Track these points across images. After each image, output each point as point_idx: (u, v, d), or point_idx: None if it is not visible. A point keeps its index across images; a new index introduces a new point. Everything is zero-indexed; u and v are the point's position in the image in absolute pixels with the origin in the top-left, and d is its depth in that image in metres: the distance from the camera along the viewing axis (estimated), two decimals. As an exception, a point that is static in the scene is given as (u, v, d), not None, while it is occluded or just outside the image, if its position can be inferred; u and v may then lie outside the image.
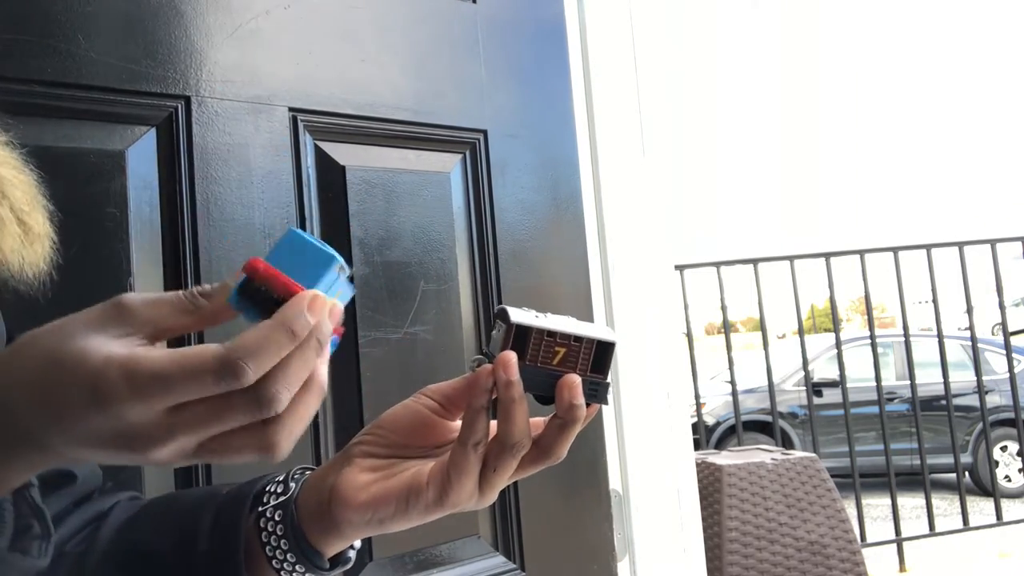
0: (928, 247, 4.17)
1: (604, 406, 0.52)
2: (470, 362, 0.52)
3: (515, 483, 1.21)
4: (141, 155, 0.95)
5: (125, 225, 0.91)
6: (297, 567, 0.56)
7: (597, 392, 0.52)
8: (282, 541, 0.56)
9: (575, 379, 0.51)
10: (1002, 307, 4.29)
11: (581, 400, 0.51)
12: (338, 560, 0.59)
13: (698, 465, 2.94)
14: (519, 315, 0.50)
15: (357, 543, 0.59)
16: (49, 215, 0.59)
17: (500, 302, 1.21)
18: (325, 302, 0.41)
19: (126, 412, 0.37)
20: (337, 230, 1.09)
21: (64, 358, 0.38)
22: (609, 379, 0.52)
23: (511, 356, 0.50)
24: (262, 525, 0.57)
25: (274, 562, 0.56)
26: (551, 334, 0.50)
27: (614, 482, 1.38)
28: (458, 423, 0.55)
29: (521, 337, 0.50)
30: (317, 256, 0.43)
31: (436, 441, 0.57)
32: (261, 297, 0.41)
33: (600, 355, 0.51)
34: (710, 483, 2.97)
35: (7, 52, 0.86)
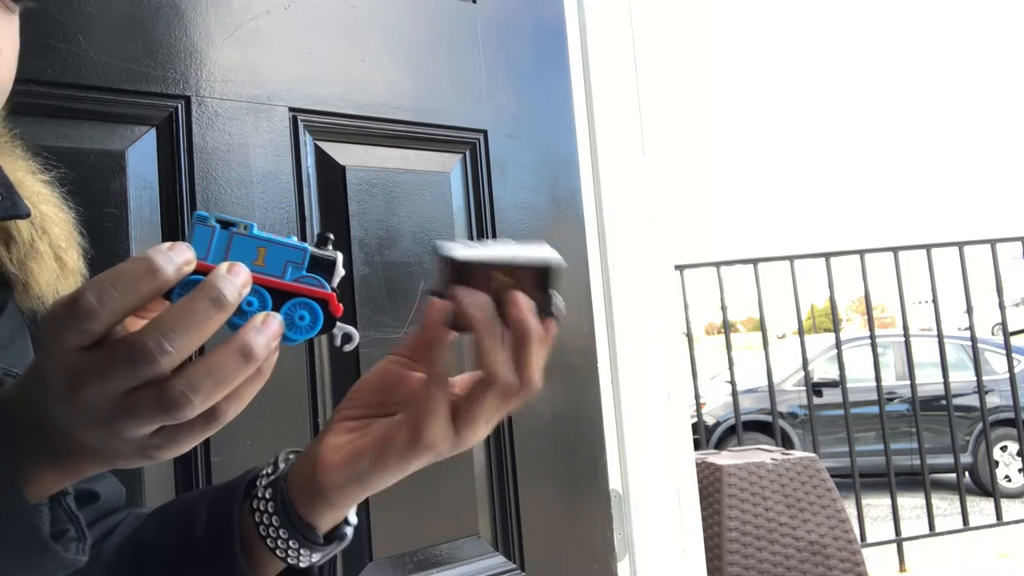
0: (928, 247, 4.17)
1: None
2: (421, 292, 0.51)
3: (515, 483, 1.22)
4: (141, 155, 0.95)
5: (125, 225, 0.91)
6: (291, 543, 0.56)
7: (544, 307, 0.50)
8: (274, 518, 0.56)
9: (518, 294, 0.50)
10: (1002, 307, 4.29)
11: (528, 315, 0.50)
12: (333, 536, 0.58)
13: (698, 465, 2.94)
14: (456, 249, 0.49)
15: (353, 518, 0.59)
16: (83, 252, 0.62)
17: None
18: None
19: (54, 349, 0.40)
20: (337, 230, 1.09)
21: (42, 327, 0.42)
22: (555, 295, 0.51)
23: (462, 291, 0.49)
24: (255, 506, 0.57)
25: (268, 541, 0.56)
26: (489, 264, 0.49)
27: (614, 482, 1.38)
28: None
29: (462, 270, 0.49)
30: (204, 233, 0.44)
31: (409, 394, 0.56)
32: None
33: (543, 275, 0.50)
34: (710, 483, 2.97)
35: (7, 52, 0.86)
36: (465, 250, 0.50)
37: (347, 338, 0.48)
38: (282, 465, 0.59)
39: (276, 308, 0.45)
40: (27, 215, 0.59)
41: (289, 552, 0.56)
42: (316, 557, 0.57)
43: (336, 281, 0.47)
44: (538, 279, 0.50)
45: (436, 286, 0.51)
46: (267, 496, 0.57)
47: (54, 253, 0.61)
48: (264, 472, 0.59)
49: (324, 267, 0.46)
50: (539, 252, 0.50)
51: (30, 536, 0.43)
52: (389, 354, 0.58)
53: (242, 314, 0.42)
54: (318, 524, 0.57)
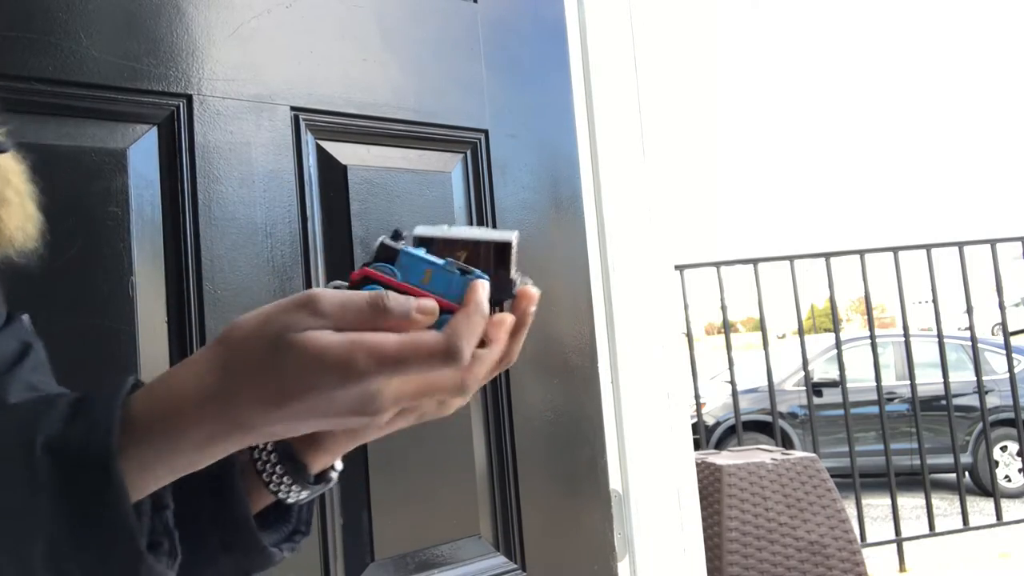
0: (928, 247, 4.18)
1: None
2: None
3: (516, 483, 1.22)
4: (143, 154, 0.95)
5: (127, 224, 0.91)
6: (285, 478, 0.60)
7: (504, 286, 0.54)
8: (272, 455, 0.60)
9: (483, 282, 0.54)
10: (1002, 307, 4.30)
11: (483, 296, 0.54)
12: (321, 478, 0.62)
13: (698, 465, 2.94)
14: (422, 229, 0.54)
15: (338, 464, 0.63)
16: (36, 202, 0.64)
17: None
18: (486, 285, 0.50)
19: (370, 385, 0.45)
20: (338, 229, 1.09)
21: (291, 348, 0.45)
22: (518, 275, 0.54)
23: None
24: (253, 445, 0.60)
25: (264, 475, 0.60)
26: (451, 242, 0.54)
27: (614, 482, 1.38)
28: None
29: (426, 247, 0.53)
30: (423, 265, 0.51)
31: None
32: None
33: (501, 252, 0.54)
34: (710, 483, 2.97)
35: (8, 49, 0.86)
36: (430, 229, 0.54)
37: None
38: None
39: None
40: (6, 151, 0.62)
41: (282, 488, 0.60)
42: (304, 495, 0.61)
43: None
44: (497, 257, 0.54)
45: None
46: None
47: (19, 200, 0.63)
48: None
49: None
50: (501, 234, 0.55)
51: (128, 545, 0.45)
52: None
53: None
54: (311, 464, 0.61)
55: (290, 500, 0.61)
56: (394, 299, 0.47)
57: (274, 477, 0.60)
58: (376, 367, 0.45)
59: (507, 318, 0.52)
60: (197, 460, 0.48)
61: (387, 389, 0.46)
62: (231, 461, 0.57)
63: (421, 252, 0.51)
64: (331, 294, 0.47)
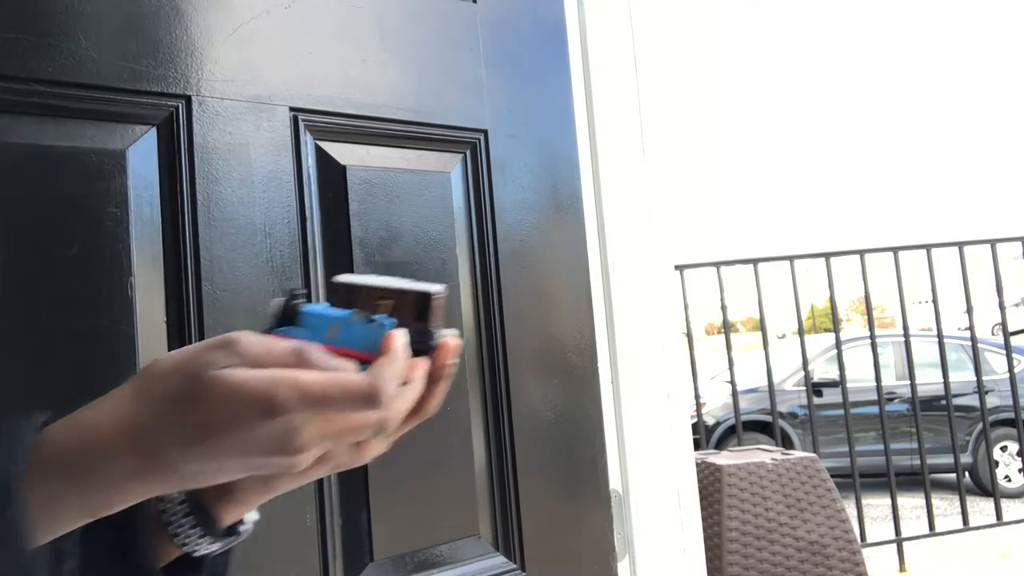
0: (928, 247, 4.18)
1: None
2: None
3: (515, 483, 1.22)
4: (142, 154, 0.95)
5: (126, 224, 0.91)
6: (191, 531, 0.58)
7: (423, 338, 0.54)
8: (181, 506, 0.58)
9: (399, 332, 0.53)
10: (1002, 307, 4.30)
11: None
12: (231, 531, 0.60)
13: (698, 465, 2.94)
14: (345, 277, 0.54)
15: (250, 516, 0.61)
16: None
17: (500, 302, 1.22)
18: (403, 333, 0.51)
19: (293, 421, 0.45)
20: (338, 230, 1.09)
21: (214, 383, 0.44)
22: (437, 329, 0.54)
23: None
24: (160, 496, 0.58)
25: (170, 528, 0.58)
26: (374, 289, 0.54)
27: (614, 482, 1.38)
28: None
29: (350, 295, 0.53)
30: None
31: None
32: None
33: (422, 304, 0.54)
34: (710, 483, 2.97)
35: (8, 51, 0.86)
36: (354, 277, 0.55)
37: None
38: None
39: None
40: None
41: (189, 540, 0.58)
42: (215, 547, 0.59)
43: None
44: (417, 308, 0.53)
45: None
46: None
47: None
48: None
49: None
50: (426, 286, 0.54)
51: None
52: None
53: None
54: (221, 518, 0.59)
55: (198, 553, 0.59)
56: (317, 354, 0.47)
57: (180, 529, 0.58)
58: (298, 404, 0.44)
59: (423, 362, 0.52)
60: (114, 499, 0.47)
61: (309, 427, 0.46)
62: (136, 511, 0.55)
63: (322, 308, 0.51)
64: (255, 338, 0.47)
